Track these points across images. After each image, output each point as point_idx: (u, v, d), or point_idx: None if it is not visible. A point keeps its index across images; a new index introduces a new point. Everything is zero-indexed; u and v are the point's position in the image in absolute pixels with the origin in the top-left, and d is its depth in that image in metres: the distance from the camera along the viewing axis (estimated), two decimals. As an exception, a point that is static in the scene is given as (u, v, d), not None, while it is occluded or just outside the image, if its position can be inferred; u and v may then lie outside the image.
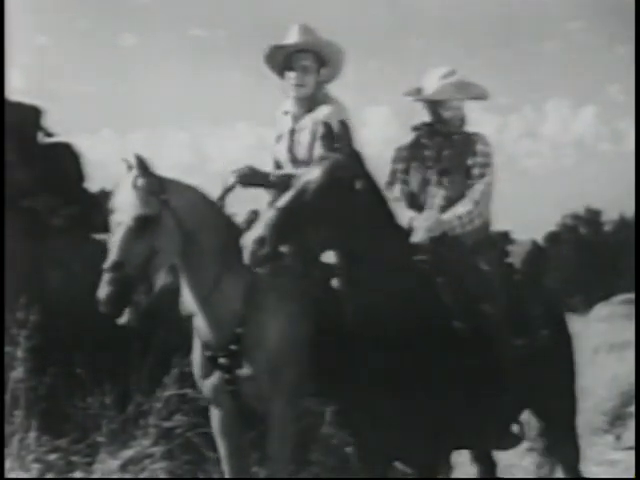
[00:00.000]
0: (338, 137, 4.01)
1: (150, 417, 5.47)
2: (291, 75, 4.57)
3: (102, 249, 4.36)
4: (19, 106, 6.97)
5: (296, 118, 4.63)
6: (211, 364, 4.30)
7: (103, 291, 4.03)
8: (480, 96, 4.53)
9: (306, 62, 4.54)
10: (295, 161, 4.60)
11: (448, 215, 4.36)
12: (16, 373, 5.60)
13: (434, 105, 4.49)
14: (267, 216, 3.83)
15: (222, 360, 4.26)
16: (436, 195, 4.45)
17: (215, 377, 4.32)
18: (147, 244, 4.08)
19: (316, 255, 3.99)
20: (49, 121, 7.39)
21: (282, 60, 4.58)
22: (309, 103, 4.59)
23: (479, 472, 4.95)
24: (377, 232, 3.99)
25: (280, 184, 4.40)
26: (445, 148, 4.49)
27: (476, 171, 4.42)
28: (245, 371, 4.23)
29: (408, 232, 4.27)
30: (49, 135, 7.37)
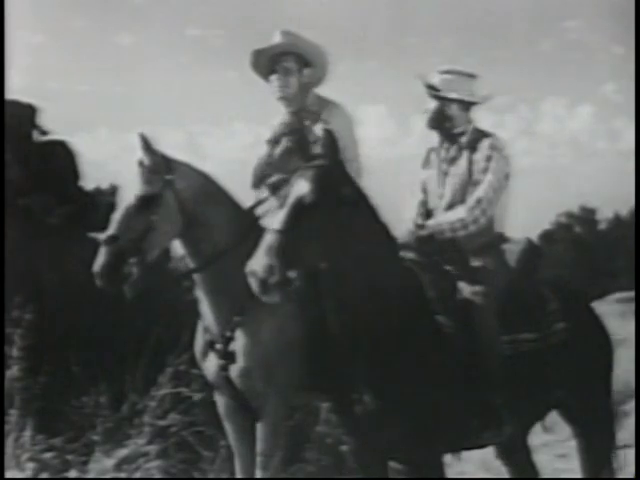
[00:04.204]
0: (324, 145, 4.01)
1: (145, 416, 5.46)
2: (273, 77, 4.65)
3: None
4: (14, 104, 6.95)
5: (291, 119, 4.66)
6: (208, 347, 4.43)
7: (98, 263, 4.20)
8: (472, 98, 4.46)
9: (287, 64, 4.61)
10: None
11: (439, 219, 4.37)
12: (11, 372, 5.61)
13: (439, 102, 4.46)
14: (268, 241, 3.78)
15: (218, 345, 4.37)
16: (442, 197, 4.47)
17: (211, 361, 4.42)
18: (144, 219, 4.22)
19: (318, 271, 3.95)
20: (45, 119, 7.37)
21: (266, 64, 4.65)
22: (299, 106, 4.64)
23: (509, 472, 4.85)
24: (362, 233, 3.99)
25: None
26: (452, 149, 4.49)
27: (476, 177, 4.38)
28: (238, 360, 4.32)
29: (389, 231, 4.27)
30: (44, 133, 7.35)
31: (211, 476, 5.43)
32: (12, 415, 5.47)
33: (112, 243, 4.20)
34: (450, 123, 4.45)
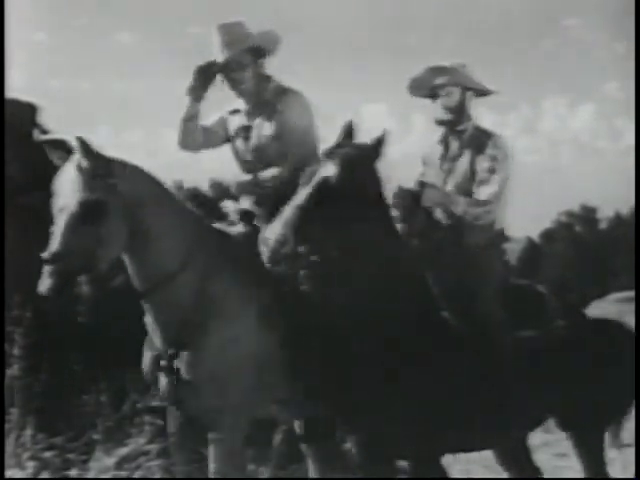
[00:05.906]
0: (347, 136, 3.99)
1: (145, 415, 5.46)
2: (227, 74, 4.34)
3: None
4: (15, 103, 6.95)
5: (250, 114, 4.40)
6: (155, 365, 4.07)
7: (44, 285, 3.69)
8: (460, 83, 4.36)
9: (240, 59, 4.30)
10: (260, 157, 4.38)
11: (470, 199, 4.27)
12: (12, 371, 5.61)
13: (434, 97, 4.41)
14: (287, 214, 3.78)
15: (163, 362, 4.02)
16: None
17: (161, 379, 4.07)
18: (92, 233, 3.75)
19: (330, 255, 3.89)
20: (46, 118, 7.38)
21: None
22: (259, 96, 4.37)
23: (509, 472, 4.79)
24: (375, 225, 3.97)
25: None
26: (453, 146, 4.45)
27: (482, 175, 4.33)
28: (184, 376, 3.97)
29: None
30: (45, 132, 7.35)
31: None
32: (13, 414, 5.47)
33: (58, 262, 3.67)
34: (462, 117, 4.41)
